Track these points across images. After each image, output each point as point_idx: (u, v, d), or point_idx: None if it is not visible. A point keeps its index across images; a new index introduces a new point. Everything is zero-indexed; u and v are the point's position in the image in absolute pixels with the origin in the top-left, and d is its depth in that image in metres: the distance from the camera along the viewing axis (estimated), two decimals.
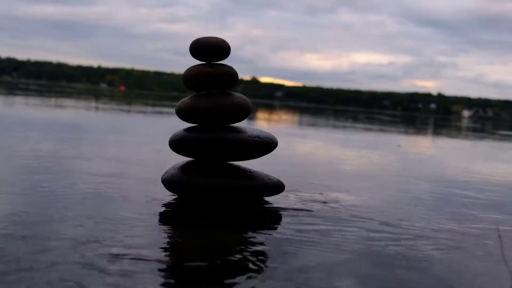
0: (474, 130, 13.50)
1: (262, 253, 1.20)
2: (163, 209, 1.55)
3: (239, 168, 1.70)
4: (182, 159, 1.76)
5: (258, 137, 1.68)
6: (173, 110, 1.76)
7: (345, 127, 9.19)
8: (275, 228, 1.43)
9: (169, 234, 1.32)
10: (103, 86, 79.83)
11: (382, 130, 8.92)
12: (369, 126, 10.33)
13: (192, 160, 1.72)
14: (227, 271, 1.05)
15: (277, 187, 1.71)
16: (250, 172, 1.69)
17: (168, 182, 1.66)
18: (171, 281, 0.99)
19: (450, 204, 1.96)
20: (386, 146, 5.43)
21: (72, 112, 7.25)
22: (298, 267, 1.09)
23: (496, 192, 2.40)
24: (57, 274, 0.95)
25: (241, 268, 1.07)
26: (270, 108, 21.33)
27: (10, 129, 3.85)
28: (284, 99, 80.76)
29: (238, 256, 1.15)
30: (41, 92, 15.77)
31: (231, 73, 1.67)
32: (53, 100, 10.26)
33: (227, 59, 1.69)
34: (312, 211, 1.63)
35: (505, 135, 11.22)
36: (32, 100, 9.38)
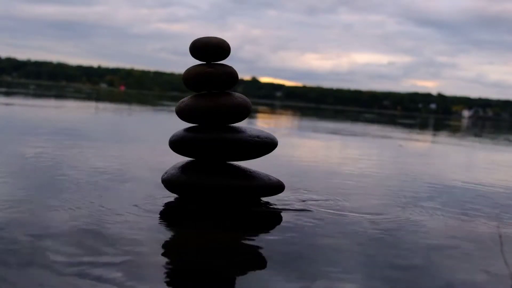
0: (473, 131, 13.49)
1: (261, 253, 1.20)
2: (163, 209, 1.55)
3: (239, 168, 1.70)
4: (182, 159, 1.76)
5: (258, 137, 1.68)
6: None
7: (345, 126, 9.19)
8: (275, 228, 1.43)
9: (169, 234, 1.32)
10: (103, 86, 79.79)
11: (382, 130, 8.91)
12: (369, 126, 10.32)
13: (192, 160, 1.72)
14: (226, 271, 1.05)
15: (277, 187, 1.71)
16: (250, 172, 1.69)
17: (168, 182, 1.66)
18: (170, 281, 0.99)
19: (450, 203, 1.96)
20: (387, 146, 5.42)
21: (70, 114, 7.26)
22: (298, 267, 1.09)
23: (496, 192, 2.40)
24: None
25: (241, 268, 1.07)
26: (270, 108, 21.34)
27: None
28: (284, 99, 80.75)
29: (237, 256, 1.15)
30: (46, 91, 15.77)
31: (231, 73, 1.67)
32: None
33: (227, 59, 1.69)
34: (312, 211, 1.62)
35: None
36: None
